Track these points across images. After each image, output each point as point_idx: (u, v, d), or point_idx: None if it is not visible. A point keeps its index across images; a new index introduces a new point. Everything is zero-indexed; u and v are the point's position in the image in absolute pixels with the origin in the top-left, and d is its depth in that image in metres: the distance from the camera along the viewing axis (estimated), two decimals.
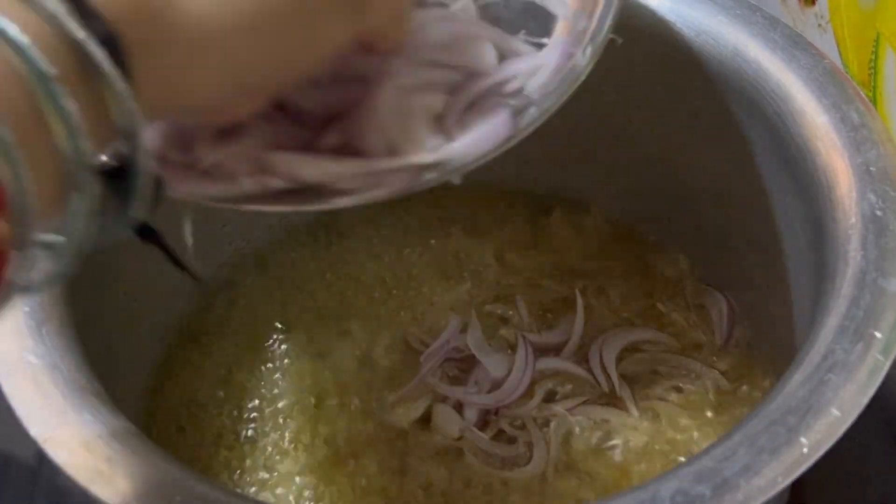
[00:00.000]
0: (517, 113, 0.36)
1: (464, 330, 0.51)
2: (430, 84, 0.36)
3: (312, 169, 0.34)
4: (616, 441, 0.47)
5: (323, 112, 0.36)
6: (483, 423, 0.48)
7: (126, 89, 0.25)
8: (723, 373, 0.49)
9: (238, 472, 0.48)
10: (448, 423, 0.48)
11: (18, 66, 0.23)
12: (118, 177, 0.26)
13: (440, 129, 0.35)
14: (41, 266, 0.24)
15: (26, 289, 0.24)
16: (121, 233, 0.28)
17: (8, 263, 0.23)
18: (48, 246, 0.24)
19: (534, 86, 0.37)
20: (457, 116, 0.36)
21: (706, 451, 0.33)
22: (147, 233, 0.31)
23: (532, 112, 0.36)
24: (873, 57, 0.52)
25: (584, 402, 0.48)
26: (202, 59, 0.27)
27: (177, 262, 0.33)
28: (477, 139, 0.35)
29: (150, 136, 0.27)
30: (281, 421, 0.49)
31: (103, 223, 0.26)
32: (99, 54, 0.24)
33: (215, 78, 0.28)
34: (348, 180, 0.34)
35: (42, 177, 0.23)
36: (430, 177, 0.35)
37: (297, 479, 0.47)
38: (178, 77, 0.27)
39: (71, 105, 0.23)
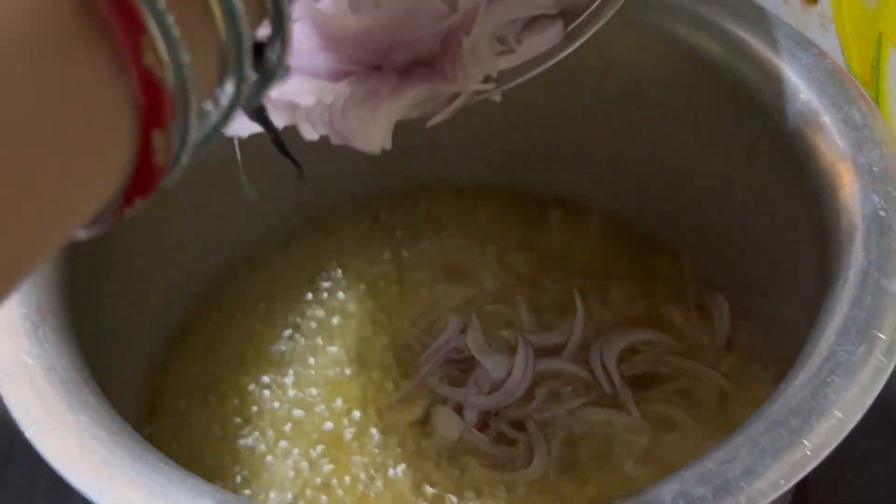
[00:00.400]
0: (567, 27, 0.38)
1: (464, 330, 0.51)
2: (514, 21, 0.37)
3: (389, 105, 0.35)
4: (617, 443, 0.47)
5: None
6: (483, 425, 0.48)
7: None
8: (724, 374, 0.49)
9: (237, 472, 0.48)
10: (448, 424, 0.48)
11: None
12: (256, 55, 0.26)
13: (502, 50, 0.37)
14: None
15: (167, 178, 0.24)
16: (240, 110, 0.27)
17: (162, 162, 0.22)
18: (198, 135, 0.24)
19: (581, 3, 0.38)
20: (515, 36, 0.37)
21: (708, 453, 0.33)
22: (260, 113, 0.31)
23: (580, 27, 0.38)
24: (876, 56, 0.52)
25: (585, 404, 0.48)
26: None
27: (283, 148, 0.33)
28: (531, 49, 0.37)
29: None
30: (280, 422, 0.49)
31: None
32: None
33: None
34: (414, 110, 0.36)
35: (202, 68, 0.22)
36: (488, 87, 0.37)
37: (296, 479, 0.47)
38: None
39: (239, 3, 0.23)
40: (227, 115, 0.25)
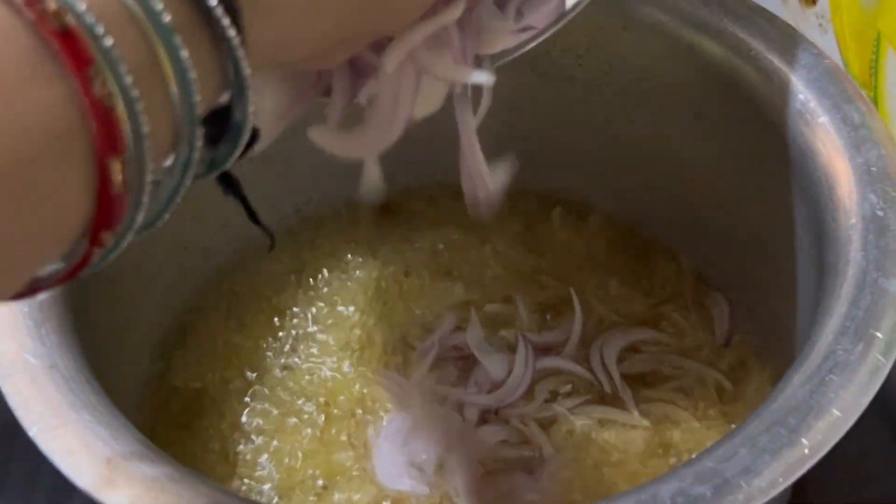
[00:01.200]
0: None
1: (461, 328, 0.51)
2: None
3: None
4: (617, 441, 0.47)
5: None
6: (483, 424, 0.48)
7: (237, 41, 0.24)
8: (723, 373, 0.49)
9: (237, 470, 0.48)
10: (448, 423, 0.48)
11: (136, 11, 0.23)
12: (215, 126, 0.26)
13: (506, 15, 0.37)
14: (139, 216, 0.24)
15: (123, 239, 0.25)
16: (205, 180, 0.28)
17: (118, 215, 0.23)
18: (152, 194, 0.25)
19: None
20: (515, 7, 0.37)
21: (707, 451, 0.33)
22: (229, 182, 0.31)
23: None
24: (874, 57, 0.52)
25: (585, 402, 0.48)
26: (309, 9, 0.27)
27: (253, 215, 0.33)
28: (538, 18, 0.37)
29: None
30: (281, 421, 0.49)
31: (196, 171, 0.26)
32: (216, 6, 0.24)
33: (320, 28, 0.28)
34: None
35: (156, 124, 0.23)
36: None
37: (293, 478, 0.47)
38: (284, 30, 0.27)
39: (186, 55, 0.23)
40: (185, 178, 0.25)
